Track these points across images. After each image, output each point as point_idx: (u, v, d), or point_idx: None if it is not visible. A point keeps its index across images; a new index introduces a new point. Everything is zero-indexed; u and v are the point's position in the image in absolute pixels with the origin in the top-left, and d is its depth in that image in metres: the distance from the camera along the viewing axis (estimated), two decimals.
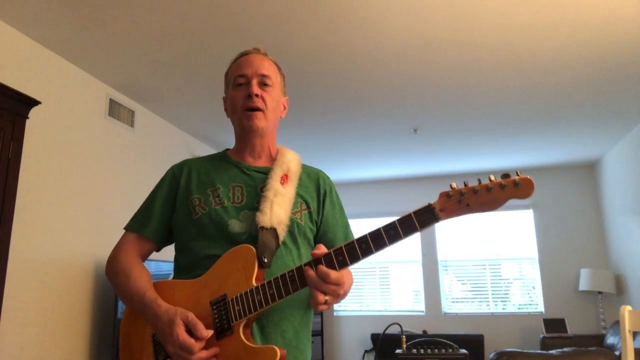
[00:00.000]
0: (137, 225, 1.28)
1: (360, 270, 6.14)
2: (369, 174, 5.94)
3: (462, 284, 5.88)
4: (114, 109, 3.39)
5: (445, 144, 4.76)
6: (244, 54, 1.32)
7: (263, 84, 1.26)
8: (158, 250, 1.33)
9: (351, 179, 6.19)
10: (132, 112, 3.59)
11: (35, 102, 2.29)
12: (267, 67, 1.28)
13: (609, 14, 2.51)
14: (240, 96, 1.26)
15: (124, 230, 1.30)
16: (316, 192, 1.32)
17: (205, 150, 4.60)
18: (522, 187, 0.97)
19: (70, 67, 2.98)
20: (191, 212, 1.22)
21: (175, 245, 1.30)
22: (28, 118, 2.28)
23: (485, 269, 5.78)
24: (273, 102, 1.28)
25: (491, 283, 5.74)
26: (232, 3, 2.39)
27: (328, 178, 1.38)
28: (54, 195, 2.81)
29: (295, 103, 3.68)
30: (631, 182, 4.50)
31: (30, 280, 2.60)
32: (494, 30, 2.67)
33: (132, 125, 3.58)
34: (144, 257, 1.29)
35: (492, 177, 0.99)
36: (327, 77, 3.25)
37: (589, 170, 5.62)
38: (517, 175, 0.98)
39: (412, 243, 6.00)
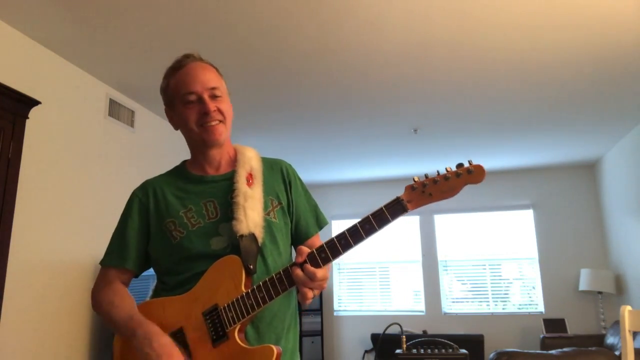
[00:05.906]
0: (116, 259, 1.27)
1: (360, 270, 6.14)
2: (369, 174, 5.94)
3: (462, 284, 5.88)
4: (114, 109, 3.39)
5: (445, 144, 4.76)
6: (181, 66, 1.26)
7: (214, 96, 1.24)
8: (137, 276, 1.32)
9: (351, 179, 6.19)
10: (132, 112, 3.59)
11: (35, 102, 2.29)
12: (213, 78, 1.26)
13: (608, 14, 2.51)
14: (194, 114, 1.23)
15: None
16: (283, 184, 1.33)
17: None
18: (475, 173, 1.08)
19: (70, 67, 2.98)
20: (169, 237, 1.22)
21: (157, 269, 1.29)
22: (28, 118, 2.28)
23: (485, 269, 5.78)
24: (229, 110, 1.28)
25: (491, 283, 5.74)
26: (231, 4, 2.39)
27: (290, 166, 1.39)
28: (53, 196, 2.81)
29: (296, 103, 3.67)
30: (631, 182, 4.50)
31: (30, 281, 2.60)
32: (493, 30, 2.67)
33: (132, 125, 3.58)
34: (126, 285, 1.30)
35: (448, 168, 1.09)
36: (327, 78, 3.25)
37: (589, 170, 5.62)
38: (470, 164, 1.08)
39: (412, 243, 6.01)
